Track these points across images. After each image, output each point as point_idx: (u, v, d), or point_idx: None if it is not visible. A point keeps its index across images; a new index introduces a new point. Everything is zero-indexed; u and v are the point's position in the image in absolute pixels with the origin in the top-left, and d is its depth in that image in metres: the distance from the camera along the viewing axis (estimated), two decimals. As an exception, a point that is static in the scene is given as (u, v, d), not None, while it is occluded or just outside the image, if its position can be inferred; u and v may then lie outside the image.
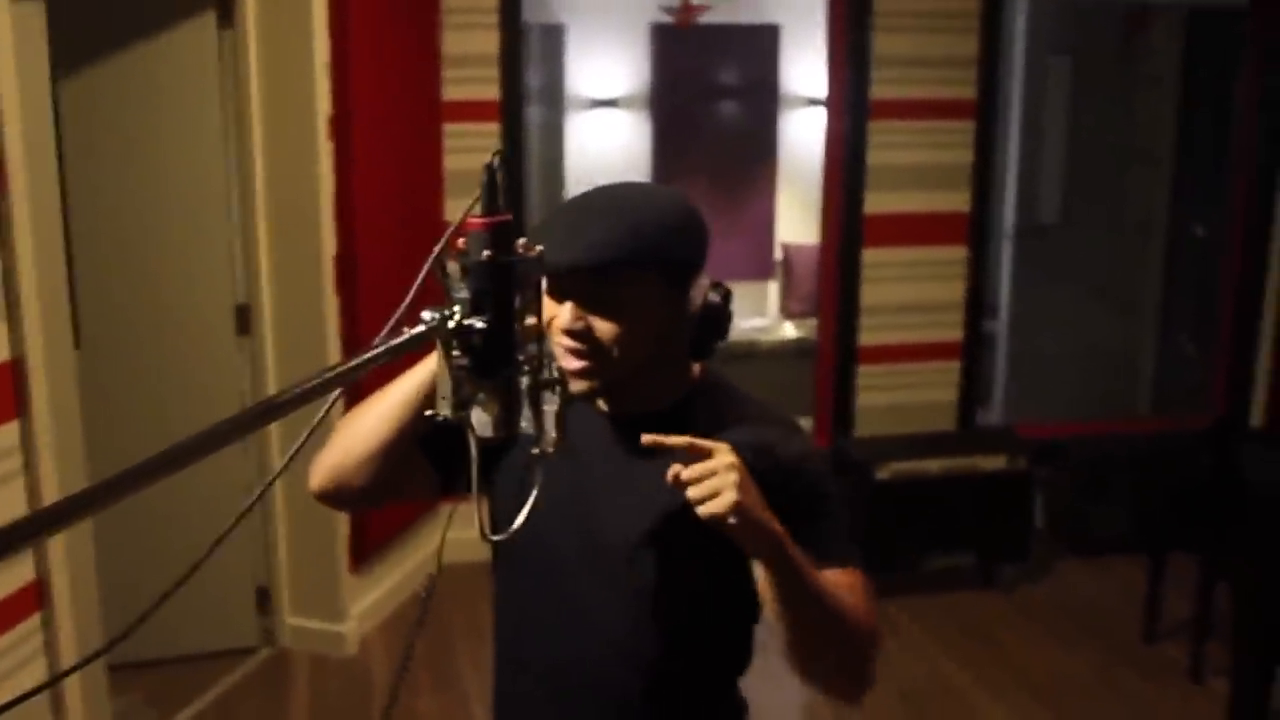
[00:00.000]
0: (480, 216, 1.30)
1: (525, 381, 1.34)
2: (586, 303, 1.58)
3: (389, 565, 4.86)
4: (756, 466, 1.55)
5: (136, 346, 4.18)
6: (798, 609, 1.54)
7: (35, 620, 3.06)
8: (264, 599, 4.56)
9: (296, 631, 4.58)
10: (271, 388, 4.30)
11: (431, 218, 4.90)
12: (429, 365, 1.58)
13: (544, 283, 1.35)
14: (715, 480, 1.42)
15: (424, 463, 1.67)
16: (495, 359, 1.31)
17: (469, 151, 4.97)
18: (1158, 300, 6.45)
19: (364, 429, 1.66)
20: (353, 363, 1.20)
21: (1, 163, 2.83)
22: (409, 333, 1.25)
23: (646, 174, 7.85)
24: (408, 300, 1.34)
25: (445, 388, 1.32)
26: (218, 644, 4.46)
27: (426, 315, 1.27)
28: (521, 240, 1.32)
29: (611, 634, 1.65)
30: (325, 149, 4.18)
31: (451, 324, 1.27)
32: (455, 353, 1.29)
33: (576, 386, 1.59)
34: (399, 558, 4.90)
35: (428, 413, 1.40)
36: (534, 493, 1.40)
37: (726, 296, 1.67)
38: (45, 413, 3.01)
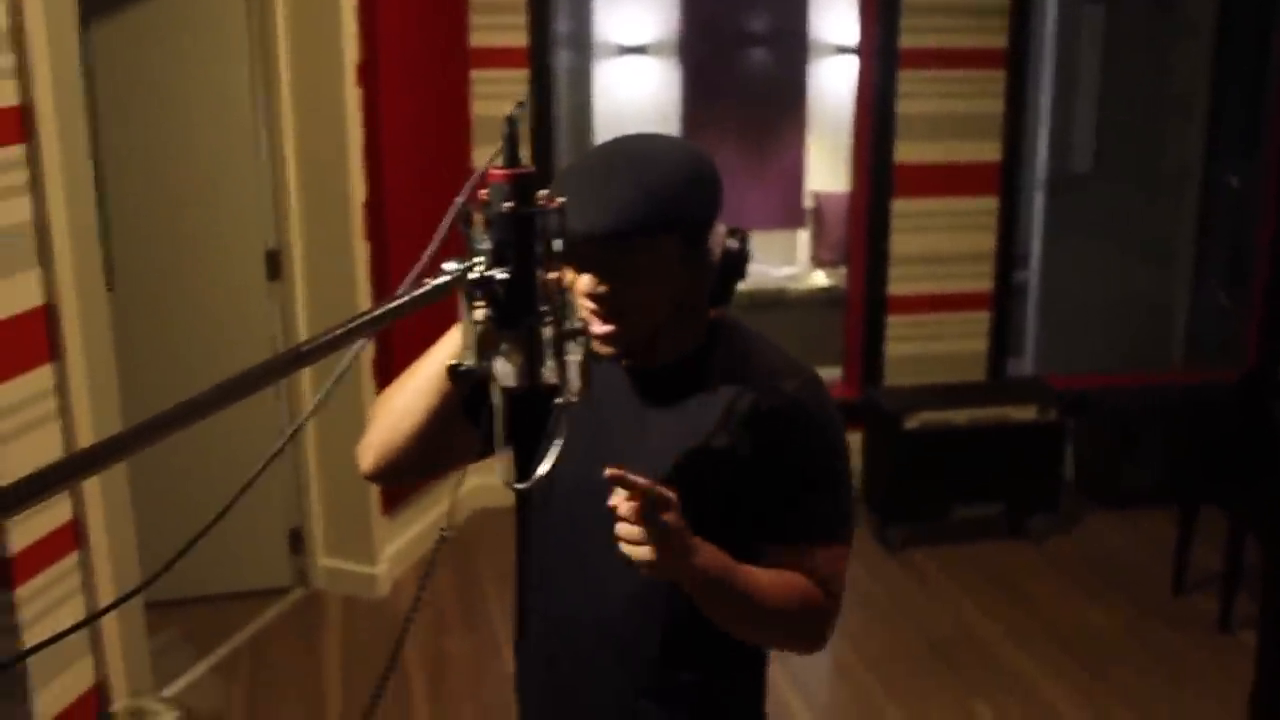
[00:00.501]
0: (502, 168, 1.31)
1: (548, 332, 1.35)
2: (606, 271, 1.58)
3: (421, 508, 4.91)
4: (769, 420, 1.57)
5: (169, 291, 4.22)
6: (727, 621, 1.64)
7: (73, 559, 3.12)
8: (297, 540, 4.62)
9: (329, 573, 4.64)
10: (302, 332, 4.33)
11: (459, 164, 4.91)
12: (459, 333, 1.59)
13: (559, 247, 1.34)
14: (637, 534, 1.47)
15: (467, 426, 1.68)
16: (517, 309, 1.31)
17: (496, 98, 4.97)
18: (1191, 251, 6.39)
19: (405, 405, 1.66)
20: (377, 312, 1.21)
21: (31, 109, 2.85)
22: (431, 283, 1.26)
23: (675, 122, 7.81)
24: (430, 250, 1.35)
25: (468, 339, 1.33)
26: (252, 584, 4.53)
27: (449, 266, 1.28)
28: (543, 191, 1.32)
29: (629, 585, 1.67)
30: (353, 95, 4.19)
31: (474, 275, 1.28)
32: (478, 304, 1.30)
33: (601, 350, 1.60)
34: (431, 501, 4.94)
35: (450, 363, 1.41)
36: (558, 442, 1.41)
37: (744, 240, 1.67)
38: (79, 356, 3.04)
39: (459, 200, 1.32)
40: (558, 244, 1.33)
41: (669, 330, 1.67)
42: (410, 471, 1.74)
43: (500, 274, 1.28)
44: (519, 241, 1.30)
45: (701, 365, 1.69)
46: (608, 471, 1.46)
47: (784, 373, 1.69)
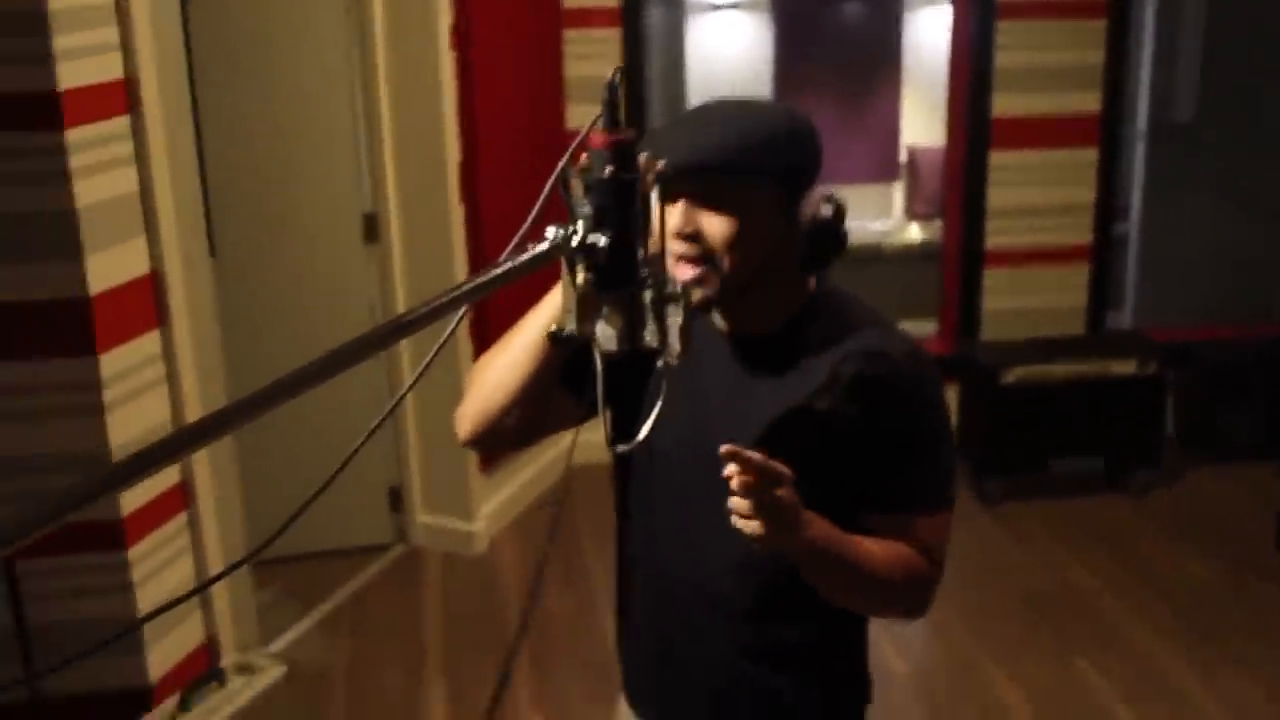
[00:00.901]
0: (603, 133, 1.32)
1: (649, 295, 1.36)
2: (697, 202, 1.59)
3: (518, 466, 4.96)
4: (870, 388, 1.61)
5: (269, 256, 4.29)
6: (832, 590, 1.66)
7: (181, 519, 3.20)
8: (396, 498, 4.70)
9: (428, 530, 4.72)
10: (399, 294, 4.39)
11: (553, 125, 4.92)
12: (555, 300, 1.61)
13: (655, 191, 1.35)
14: (750, 508, 1.48)
15: (564, 393, 1.69)
16: (618, 274, 1.32)
17: (589, 58, 4.96)
18: (1297, 199, 6.22)
19: (502, 373, 1.68)
20: (480, 280, 1.22)
21: (135, 79, 2.91)
22: (533, 250, 1.27)
23: (768, 77, 7.76)
24: (531, 217, 1.36)
25: (570, 303, 1.34)
26: (353, 540, 4.62)
27: (550, 233, 1.29)
28: (643, 156, 1.33)
29: (724, 546, 1.68)
30: (447, 58, 4.21)
31: (575, 241, 1.29)
32: (579, 269, 1.31)
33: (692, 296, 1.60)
34: (528, 458, 4.99)
35: (552, 329, 1.43)
36: (658, 404, 1.42)
37: (839, 211, 1.64)
38: (184, 321, 3.11)
39: (560, 165, 1.33)
40: (655, 206, 1.34)
41: (761, 289, 1.66)
42: (507, 439, 1.75)
43: (602, 239, 1.29)
44: (619, 207, 1.31)
45: (801, 334, 1.69)
46: (723, 449, 1.47)
47: (885, 341, 1.69)
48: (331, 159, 4.28)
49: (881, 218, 7.92)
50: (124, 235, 2.92)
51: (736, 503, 1.49)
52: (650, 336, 1.37)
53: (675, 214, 1.59)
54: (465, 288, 1.21)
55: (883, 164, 8.02)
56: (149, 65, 2.93)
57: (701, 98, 1.76)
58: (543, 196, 1.36)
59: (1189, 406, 5.43)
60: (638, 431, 1.44)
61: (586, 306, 1.35)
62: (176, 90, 3.10)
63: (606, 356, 1.38)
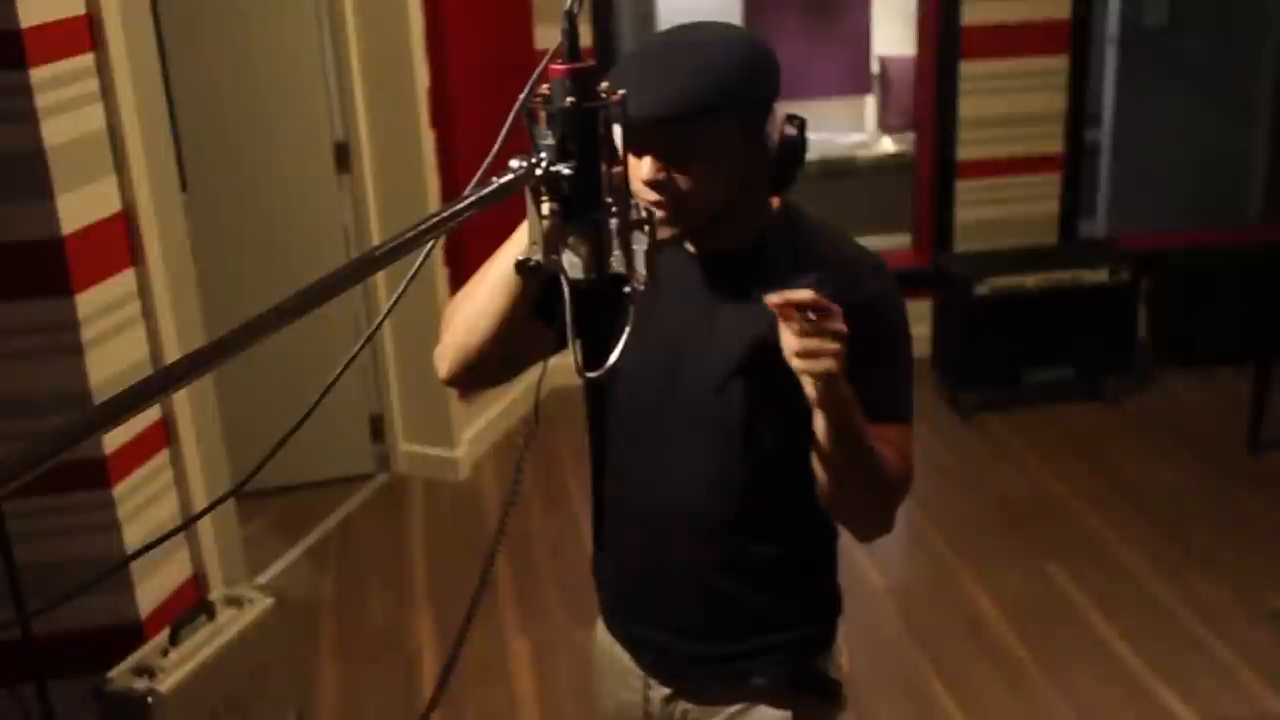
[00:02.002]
0: (562, 63, 1.32)
1: (614, 223, 1.37)
2: (666, 154, 1.60)
3: (497, 391, 4.99)
4: (841, 302, 1.60)
5: (241, 189, 4.28)
6: (843, 462, 1.64)
7: (164, 456, 3.22)
8: (378, 427, 4.73)
9: (410, 457, 4.76)
10: (373, 222, 4.39)
11: (521, 47, 4.89)
12: (524, 233, 1.62)
13: (620, 136, 1.36)
14: (820, 344, 1.50)
15: (538, 326, 1.71)
16: (583, 202, 1.34)
17: (556, -22, 4.92)
18: (1271, 101, 6.22)
19: (477, 309, 1.70)
20: (446, 212, 1.23)
21: (98, 16, 2.88)
22: (498, 181, 1.28)
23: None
24: (496, 148, 1.37)
25: (535, 233, 1.36)
26: (336, 471, 4.66)
27: (514, 164, 1.30)
28: (604, 84, 1.34)
29: (699, 466, 1.72)
30: (413, -20, 4.18)
31: (539, 171, 1.30)
32: (544, 199, 1.33)
33: (661, 232, 1.62)
34: (506, 385, 5.00)
35: (519, 258, 1.44)
36: (627, 331, 1.44)
37: (802, 127, 1.67)
38: (159, 259, 3.11)
39: (521, 98, 1.34)
40: (619, 134, 1.35)
41: (730, 216, 1.69)
42: (487, 374, 1.79)
43: (565, 169, 1.31)
44: (581, 136, 1.32)
45: (768, 253, 1.72)
46: (768, 298, 1.49)
47: (850, 261, 1.72)
48: (300, 89, 4.25)
49: (854, 131, 7.89)
50: (94, 174, 2.91)
51: (806, 344, 1.51)
52: (617, 263, 1.39)
53: (645, 163, 1.60)
54: (432, 220, 1.22)
55: (855, 76, 7.97)
56: (111, 0, 2.91)
57: (671, 13, 1.77)
58: (505, 127, 1.37)
59: (1161, 313, 5.48)
60: (608, 358, 1.47)
61: (552, 236, 1.37)
62: (141, 25, 3.07)
63: (574, 285, 1.40)
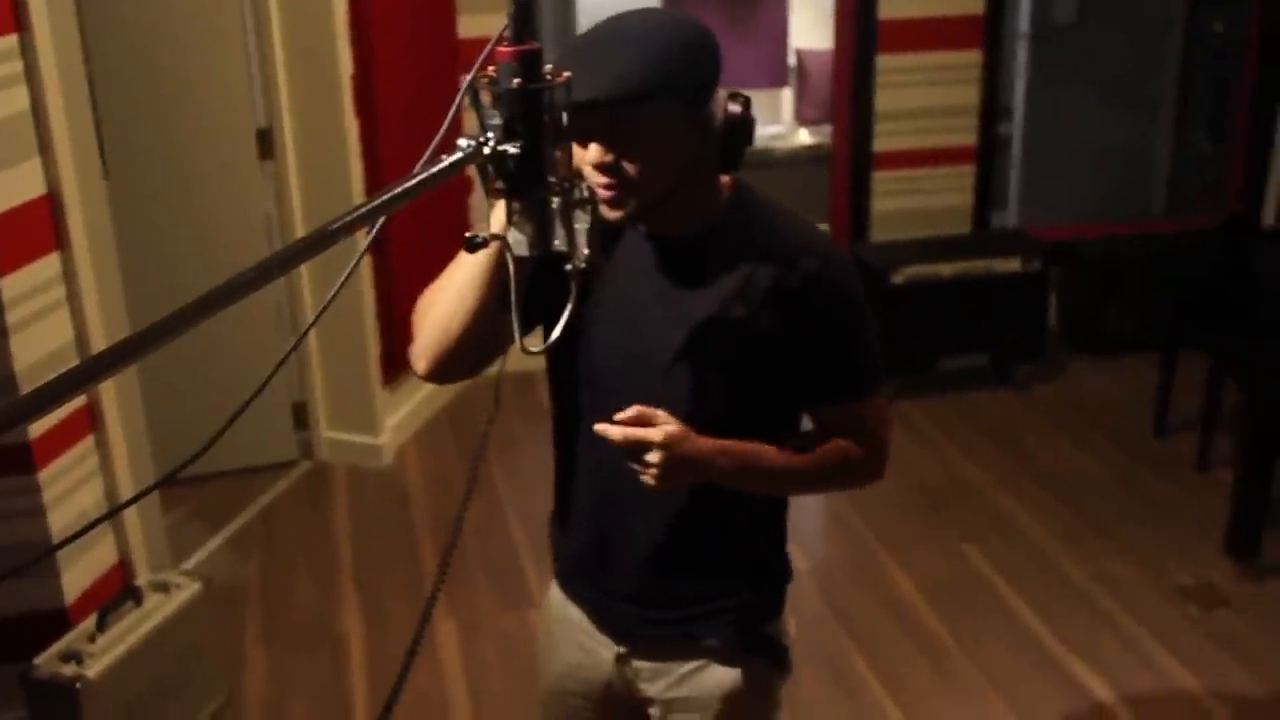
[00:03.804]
0: (509, 45, 1.36)
1: (557, 201, 1.41)
2: (611, 138, 1.64)
3: (418, 379, 4.99)
4: (791, 295, 1.71)
5: (162, 175, 4.24)
6: (773, 490, 1.90)
7: (89, 441, 3.20)
8: (301, 414, 4.72)
9: (333, 445, 4.75)
10: (296, 210, 4.38)
11: (445, 35, 4.89)
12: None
13: (565, 120, 1.40)
14: (648, 459, 1.67)
15: (506, 318, 1.75)
16: (528, 181, 1.38)
17: (480, -34, 4.93)
18: (1174, 98, 6.41)
19: (449, 307, 1.73)
20: (398, 189, 1.26)
21: (23, -2, 2.86)
22: (447, 160, 1.32)
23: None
24: (444, 127, 1.41)
25: (485, 211, 1.40)
26: (259, 459, 4.64)
27: (462, 143, 1.34)
28: (549, 66, 1.37)
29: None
30: (337, -33, 4.18)
31: (487, 150, 1.34)
32: (492, 178, 1.37)
33: (610, 215, 1.66)
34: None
35: (468, 234, 1.48)
36: (569, 307, 1.48)
37: (747, 104, 1.71)
38: (84, 243, 3.09)
39: (469, 78, 1.37)
40: (564, 117, 1.39)
41: (681, 197, 1.72)
42: (464, 367, 1.81)
43: (512, 148, 1.34)
44: (527, 115, 1.36)
45: (723, 237, 1.76)
46: (596, 428, 1.68)
47: (804, 244, 1.77)
48: (223, 74, 4.22)
49: (771, 123, 7.97)
50: (19, 156, 2.89)
51: (627, 465, 1.69)
52: (560, 241, 1.43)
53: (591, 149, 1.64)
54: (384, 196, 1.25)
55: (772, 69, 8.05)
56: (34, -19, 2.88)
57: (590, 10, 1.80)
58: (454, 107, 1.40)
59: (1071, 302, 5.63)
60: (551, 336, 1.50)
61: (499, 213, 1.41)
62: (63, 6, 3.05)
63: (519, 261, 1.44)
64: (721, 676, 1.92)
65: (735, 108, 1.70)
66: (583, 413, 1.86)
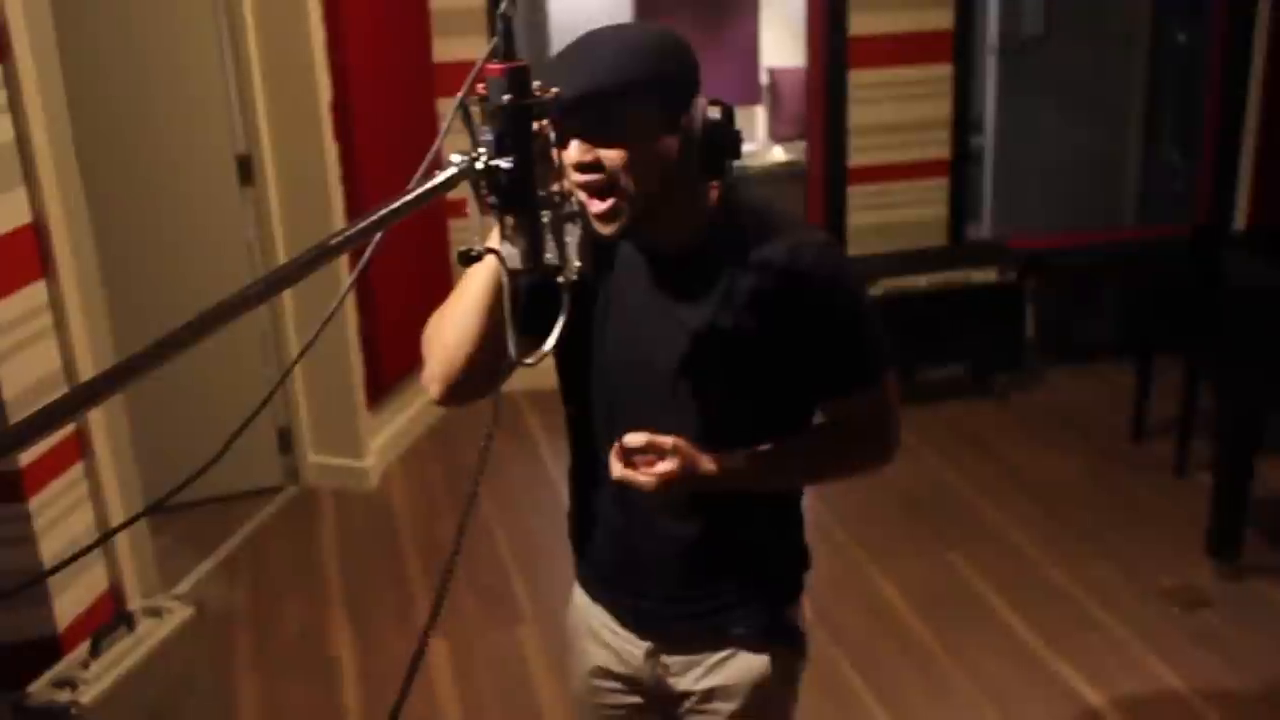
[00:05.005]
0: (498, 63, 1.39)
1: (547, 215, 1.45)
2: (591, 134, 1.66)
3: (404, 401, 5.02)
4: (788, 288, 1.76)
5: (143, 201, 4.26)
6: (780, 483, 1.97)
7: (79, 468, 3.21)
8: (286, 439, 4.73)
9: (319, 469, 4.77)
10: (278, 235, 4.40)
11: (420, 59, 4.92)
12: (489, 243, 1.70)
13: (551, 133, 1.43)
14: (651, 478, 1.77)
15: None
16: (518, 196, 1.41)
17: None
18: (1142, 109, 6.49)
19: (458, 332, 1.76)
20: (395, 204, 1.28)
21: (4, 25, 2.88)
22: (442, 175, 1.35)
23: (627, 4, 7.77)
24: (437, 145, 1.44)
25: (476, 226, 1.44)
26: (244, 485, 4.65)
27: (455, 158, 1.37)
28: (537, 83, 1.41)
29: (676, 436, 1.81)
30: (314, -7, 4.21)
31: (479, 165, 1.37)
32: (484, 193, 1.40)
33: (604, 230, 1.69)
34: (413, 394, 5.05)
35: (461, 248, 1.51)
36: (561, 318, 1.51)
37: (729, 113, 1.74)
38: (70, 271, 3.11)
39: (460, 95, 1.41)
40: (551, 134, 1.42)
41: (669, 208, 1.75)
42: (476, 387, 1.83)
43: (504, 164, 1.38)
44: (518, 132, 1.39)
45: (716, 246, 1.79)
46: (628, 440, 1.77)
47: (797, 242, 1.79)
48: (201, 102, 4.25)
49: (745, 141, 8.03)
50: (4, 186, 2.91)
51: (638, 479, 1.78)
52: (551, 255, 1.47)
53: (572, 148, 1.67)
54: (382, 212, 1.28)
55: (744, 88, 8.12)
56: (16, 8, 2.90)
57: (562, 27, 1.85)
58: (445, 125, 1.44)
59: (1046, 311, 5.69)
60: (543, 347, 1.53)
61: (492, 228, 1.45)
62: (44, 36, 3.06)
63: (513, 275, 1.47)
64: (750, 663, 1.98)
65: (716, 114, 1.73)
66: (599, 426, 1.90)
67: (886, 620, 3.84)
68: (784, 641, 2.01)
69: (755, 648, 1.98)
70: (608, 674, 2.08)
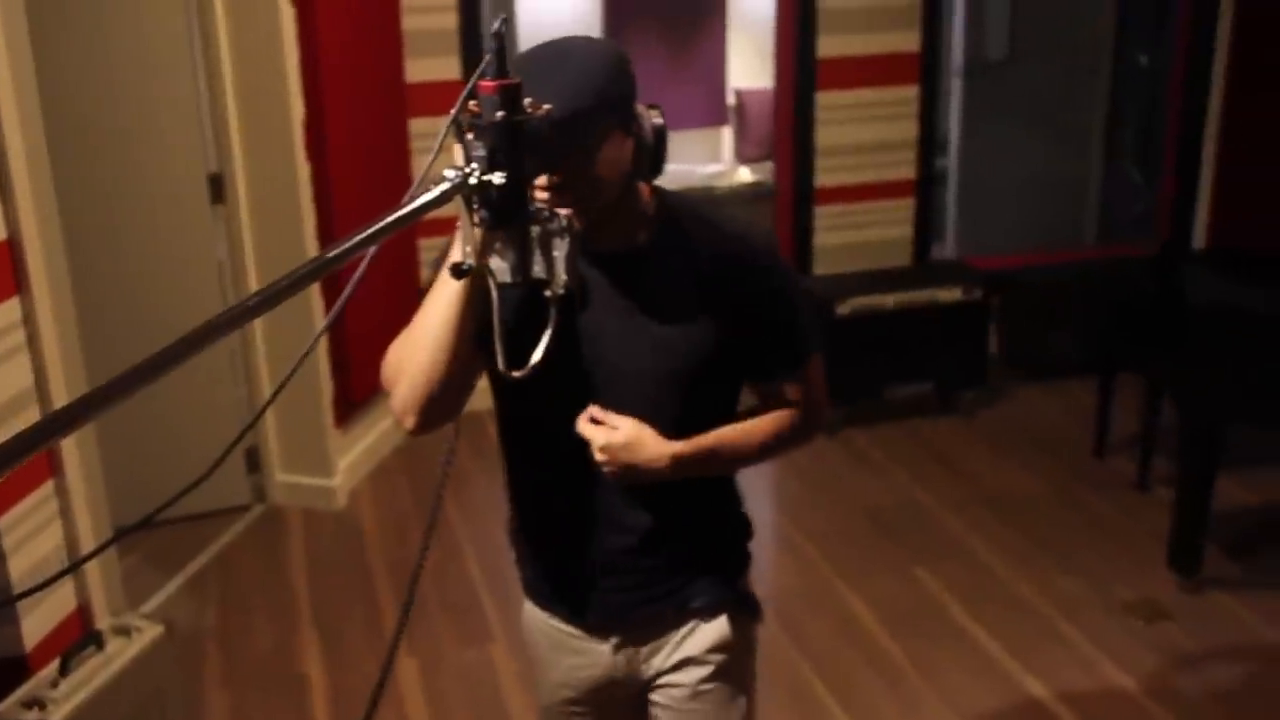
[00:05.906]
0: (491, 80, 1.42)
1: (535, 230, 1.47)
2: (560, 158, 1.69)
3: (372, 419, 5.02)
4: (730, 278, 1.88)
5: (114, 220, 4.24)
6: (726, 468, 2.06)
7: (49, 487, 3.19)
8: (253, 458, 4.72)
9: (287, 488, 4.75)
10: (248, 255, 4.39)
11: (393, 79, 4.94)
12: (444, 280, 1.74)
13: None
14: (610, 453, 1.86)
15: (483, 356, 1.81)
16: (510, 210, 1.44)
17: (427, 11, 4.96)
18: (1104, 131, 6.59)
19: (427, 358, 1.79)
20: (390, 219, 1.29)
21: (-20, 43, 2.88)
22: (435, 190, 1.37)
23: (596, 20, 7.82)
24: (432, 160, 1.46)
25: (468, 239, 1.46)
26: (212, 504, 4.62)
27: (449, 174, 1.39)
28: (529, 100, 1.44)
29: None
30: (288, 12, 4.21)
31: (472, 180, 1.39)
32: (475, 208, 1.42)
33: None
34: (382, 412, 5.05)
35: (450, 263, 1.53)
36: (548, 332, 1.53)
37: (662, 114, 1.85)
38: (43, 287, 3.10)
39: (453, 112, 1.44)
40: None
41: (618, 210, 1.84)
42: (447, 409, 1.86)
43: (497, 179, 1.40)
44: (510, 148, 1.42)
45: (662, 243, 1.89)
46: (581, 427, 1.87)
47: (733, 232, 1.93)
48: (173, 119, 4.24)
49: (712, 161, 8.09)
50: (-23, 202, 2.91)
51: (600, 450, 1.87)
52: (539, 268, 1.49)
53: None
54: (378, 225, 1.30)
55: (711, 108, 8.18)
56: (-8, 29, 2.91)
57: (531, 39, 1.89)
58: (439, 140, 1.46)
59: (1010, 329, 5.76)
60: (530, 360, 1.55)
61: (483, 243, 1.48)
62: (20, 45, 3.06)
63: (502, 289, 1.50)
64: (711, 632, 2.06)
65: (659, 120, 1.83)
66: (552, 428, 1.93)
67: (855, 636, 3.87)
68: (742, 608, 2.11)
69: (714, 618, 2.07)
70: (571, 684, 2.14)
